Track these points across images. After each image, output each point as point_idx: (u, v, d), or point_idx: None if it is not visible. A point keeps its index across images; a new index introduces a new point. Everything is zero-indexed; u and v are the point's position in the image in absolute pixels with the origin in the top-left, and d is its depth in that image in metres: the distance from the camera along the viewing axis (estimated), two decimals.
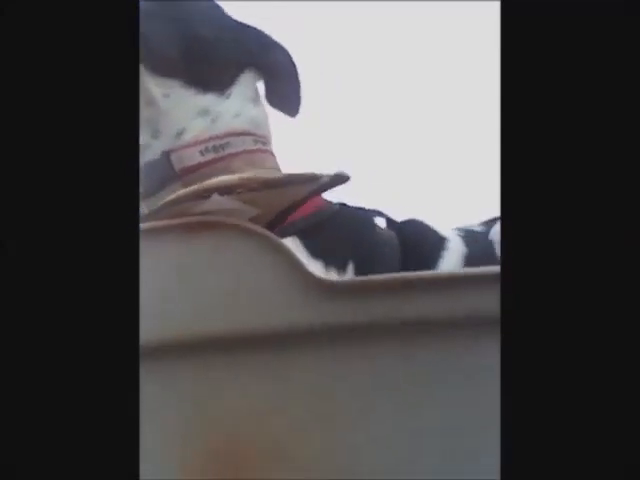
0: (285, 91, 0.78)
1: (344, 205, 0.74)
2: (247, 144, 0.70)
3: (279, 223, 0.61)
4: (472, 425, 0.48)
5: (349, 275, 0.66)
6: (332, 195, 0.70)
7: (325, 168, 0.63)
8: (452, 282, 0.47)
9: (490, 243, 0.77)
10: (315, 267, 0.60)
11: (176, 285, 0.49)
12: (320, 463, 0.48)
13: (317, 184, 0.64)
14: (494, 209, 0.85)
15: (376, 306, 0.47)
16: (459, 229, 0.84)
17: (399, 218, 0.79)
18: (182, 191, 0.57)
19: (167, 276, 0.49)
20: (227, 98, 0.73)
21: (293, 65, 0.77)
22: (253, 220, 0.55)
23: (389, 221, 0.77)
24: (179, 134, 0.70)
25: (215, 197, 0.57)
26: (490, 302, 0.45)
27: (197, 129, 0.70)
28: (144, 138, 0.70)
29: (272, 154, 0.73)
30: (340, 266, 0.65)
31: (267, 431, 0.49)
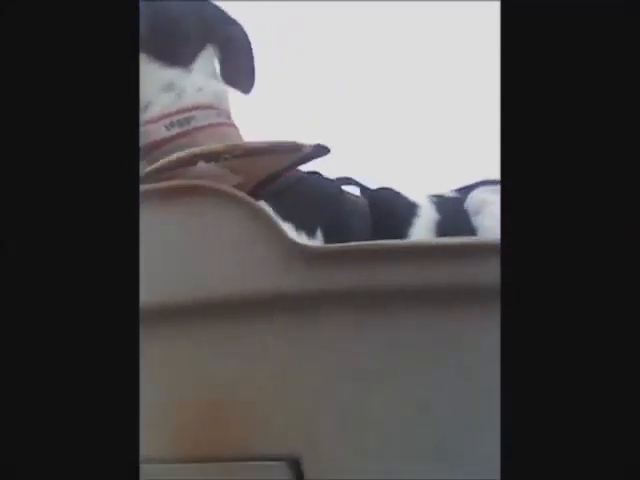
0: (240, 67, 0.79)
1: (314, 173, 0.75)
2: (211, 118, 0.70)
3: (260, 191, 0.62)
4: (454, 393, 0.48)
5: (319, 241, 0.68)
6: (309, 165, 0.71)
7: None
8: (430, 250, 0.48)
9: (464, 212, 0.79)
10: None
11: (158, 251, 0.50)
12: (295, 424, 0.50)
13: (300, 154, 0.66)
14: (470, 176, 0.86)
15: (356, 273, 0.47)
16: (432, 196, 0.85)
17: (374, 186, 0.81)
18: (168, 158, 0.58)
19: (149, 242, 0.48)
20: (190, 72, 0.73)
21: (248, 42, 0.79)
22: (236, 187, 0.55)
23: (362, 189, 0.78)
24: (145, 107, 0.70)
25: (201, 164, 0.59)
26: (470, 272, 0.47)
27: (163, 103, 0.70)
28: None
29: (236, 127, 0.73)
30: (309, 231, 0.67)
31: (246, 394, 0.50)
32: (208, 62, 0.76)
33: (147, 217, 0.49)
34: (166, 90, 0.71)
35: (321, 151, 0.68)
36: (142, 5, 0.68)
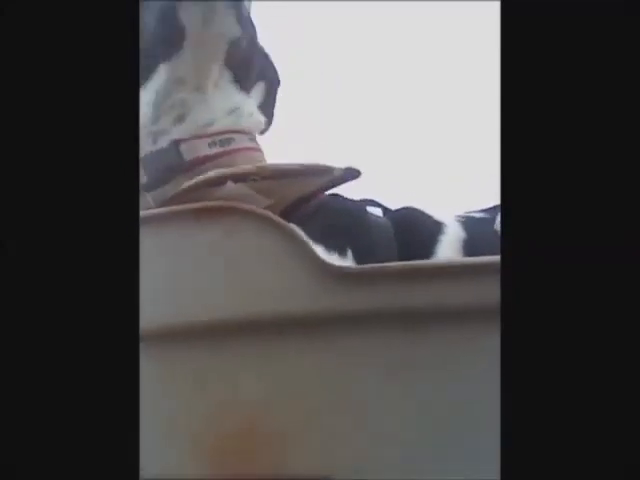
0: (270, 108, 0.83)
1: (335, 195, 0.75)
2: (245, 141, 0.72)
3: (290, 214, 0.62)
4: (472, 413, 0.48)
5: (349, 261, 0.68)
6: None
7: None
8: (462, 270, 0.48)
9: (494, 232, 0.78)
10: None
11: (187, 270, 0.50)
12: (327, 443, 0.50)
13: (330, 177, 0.66)
14: (494, 198, 0.85)
15: (386, 293, 0.47)
16: (458, 215, 0.84)
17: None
18: (198, 178, 0.59)
19: (179, 261, 0.50)
20: (249, 98, 0.77)
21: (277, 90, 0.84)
22: (266, 209, 0.56)
23: (384, 210, 0.78)
24: (207, 125, 0.73)
25: (229, 184, 0.60)
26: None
27: (223, 123, 0.73)
28: (166, 121, 0.72)
29: (262, 152, 0.76)
30: (340, 252, 0.67)
31: (278, 415, 0.50)
32: (260, 93, 0.80)
33: (179, 236, 0.51)
34: (231, 113, 0.73)
35: (351, 174, 0.68)
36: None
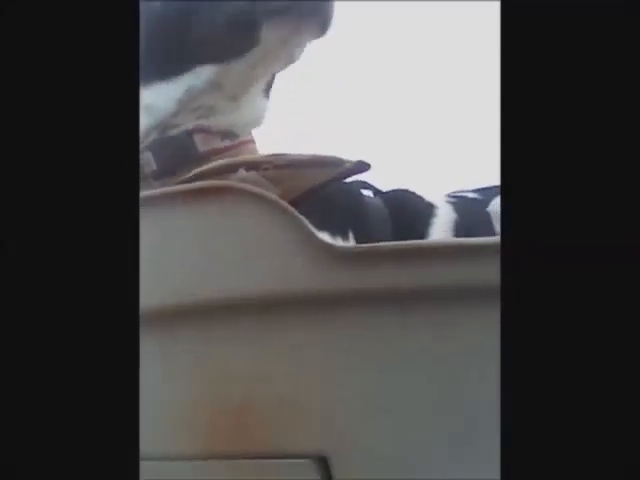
0: None
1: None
2: (247, 135, 0.75)
3: (300, 203, 0.63)
4: (468, 393, 0.48)
5: (351, 243, 0.69)
6: None
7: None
8: (462, 251, 0.48)
9: (486, 214, 0.79)
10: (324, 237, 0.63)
11: (186, 250, 0.51)
12: (322, 421, 0.50)
13: (341, 169, 0.67)
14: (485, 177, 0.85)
15: (384, 272, 0.47)
16: (450, 195, 0.84)
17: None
18: (210, 164, 0.61)
19: (178, 241, 0.51)
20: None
21: None
22: None
23: (375, 191, 0.79)
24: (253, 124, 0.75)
25: (241, 172, 0.61)
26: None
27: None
28: (184, 118, 0.72)
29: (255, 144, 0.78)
30: (343, 235, 0.68)
31: (274, 392, 0.51)
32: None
33: (177, 217, 0.51)
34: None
35: (362, 167, 0.69)
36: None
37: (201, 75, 0.69)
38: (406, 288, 0.48)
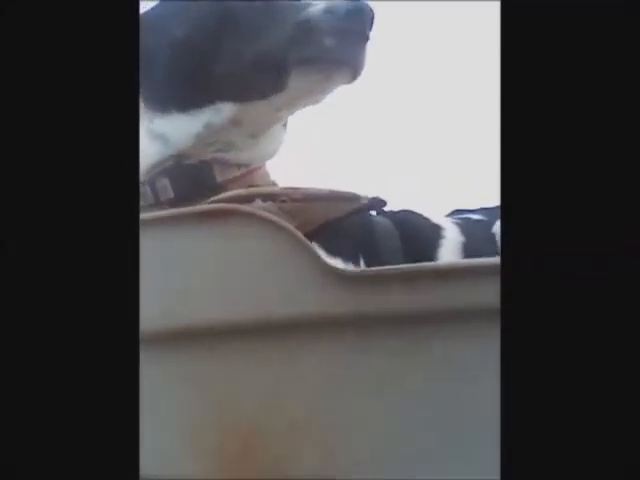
0: None
1: None
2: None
3: (315, 236, 0.64)
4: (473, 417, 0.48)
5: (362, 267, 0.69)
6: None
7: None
8: (471, 272, 0.48)
9: (492, 235, 0.78)
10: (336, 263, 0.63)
11: (194, 272, 0.51)
12: (332, 445, 0.50)
13: (356, 204, 0.67)
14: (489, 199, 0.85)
15: (390, 295, 0.48)
16: (454, 217, 0.84)
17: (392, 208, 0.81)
18: (227, 193, 0.62)
19: (184, 263, 0.51)
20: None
21: None
22: None
23: (383, 212, 0.79)
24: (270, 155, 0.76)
25: (258, 202, 0.61)
26: None
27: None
28: (202, 150, 0.73)
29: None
30: (354, 261, 0.68)
31: (282, 415, 0.50)
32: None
33: (182, 239, 0.52)
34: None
35: (377, 204, 0.69)
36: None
37: (221, 111, 0.69)
38: (415, 310, 0.48)
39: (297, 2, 0.70)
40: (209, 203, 0.61)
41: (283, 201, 0.63)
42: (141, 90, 0.71)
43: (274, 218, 0.51)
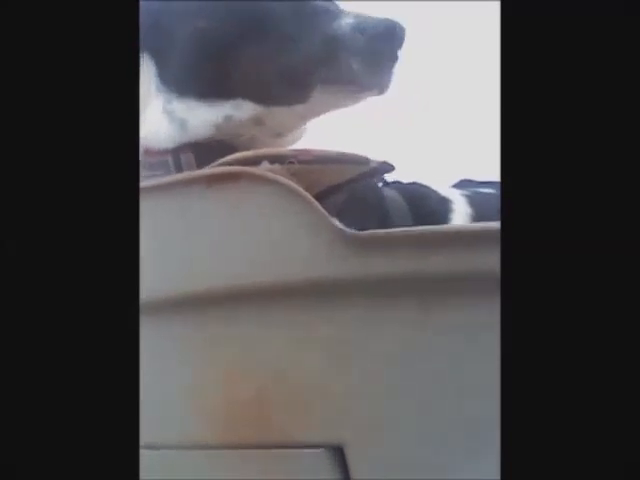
0: None
1: None
2: None
3: (322, 199, 0.63)
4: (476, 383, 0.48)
5: None
6: None
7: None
8: (475, 236, 0.48)
9: None
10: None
11: (202, 237, 0.51)
12: (340, 413, 0.50)
13: (365, 168, 0.66)
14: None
15: (400, 258, 0.47)
16: (462, 189, 0.84)
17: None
18: (234, 155, 0.61)
19: (193, 227, 0.51)
20: None
21: None
22: None
23: (391, 183, 0.78)
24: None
25: (265, 164, 0.60)
26: None
27: None
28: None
29: None
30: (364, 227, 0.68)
31: (290, 381, 0.51)
32: None
33: (193, 203, 0.51)
34: None
35: (386, 168, 0.68)
36: None
37: (243, 107, 0.68)
38: (422, 273, 0.47)
39: (329, 8, 0.69)
40: (216, 166, 0.60)
41: (291, 162, 0.62)
42: (157, 69, 0.71)
43: (282, 180, 0.50)
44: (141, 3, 0.70)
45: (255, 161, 0.61)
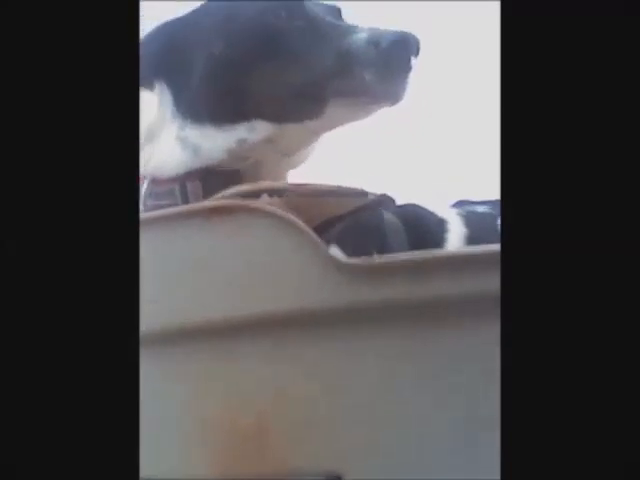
0: None
1: None
2: None
3: (321, 233, 0.64)
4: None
5: None
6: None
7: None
8: (468, 261, 0.48)
9: (497, 228, 0.78)
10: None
11: (196, 269, 0.51)
12: (337, 439, 0.50)
13: (363, 201, 0.67)
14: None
15: (396, 286, 0.48)
16: (458, 208, 0.84)
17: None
18: (234, 188, 0.62)
19: (191, 260, 0.52)
20: None
21: None
22: None
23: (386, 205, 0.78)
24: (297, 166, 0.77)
25: (264, 197, 0.61)
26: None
27: None
28: (230, 163, 0.72)
29: None
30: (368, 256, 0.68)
31: (289, 410, 0.51)
32: None
33: (191, 235, 0.52)
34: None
35: (385, 201, 0.69)
36: None
37: (256, 129, 0.69)
38: (418, 300, 0.47)
39: (341, 25, 0.70)
40: (217, 199, 0.61)
41: (289, 196, 0.63)
42: (173, 96, 0.71)
43: (279, 212, 0.51)
44: (155, 30, 0.73)
45: (255, 194, 0.62)
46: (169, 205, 0.69)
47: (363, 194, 0.67)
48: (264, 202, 0.61)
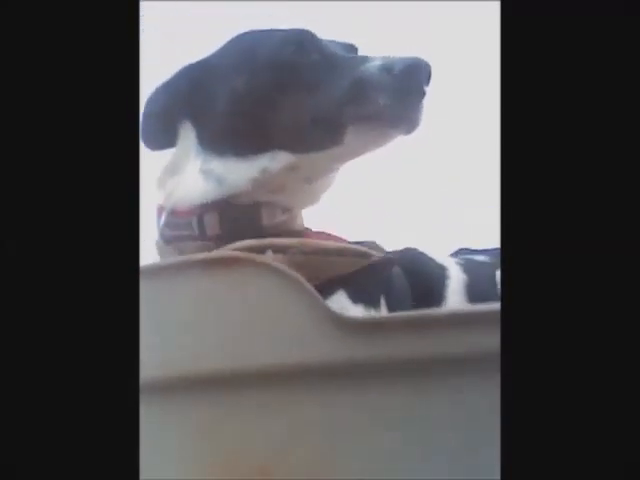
0: None
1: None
2: None
3: (323, 291, 0.65)
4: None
5: (384, 312, 0.69)
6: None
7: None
8: (470, 319, 0.48)
9: (495, 276, 0.78)
10: (357, 312, 0.63)
11: (197, 320, 0.51)
12: None
13: (366, 261, 0.68)
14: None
15: (396, 342, 0.48)
16: (457, 257, 0.84)
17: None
18: (240, 243, 0.63)
19: (189, 310, 0.52)
20: None
21: None
22: None
23: (387, 252, 0.78)
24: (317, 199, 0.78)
25: (269, 253, 0.63)
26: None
27: None
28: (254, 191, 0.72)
29: None
30: (376, 305, 0.69)
31: (289, 465, 0.50)
32: None
33: (192, 287, 0.52)
34: None
35: (387, 262, 0.70)
36: None
37: (278, 157, 0.70)
38: (419, 357, 0.48)
39: (355, 56, 0.73)
40: (222, 251, 0.62)
41: (294, 253, 0.64)
42: (197, 131, 0.74)
43: (284, 268, 0.52)
44: (179, 71, 0.75)
45: (260, 249, 0.63)
46: (186, 236, 0.70)
47: (366, 255, 0.68)
48: (269, 257, 0.63)
